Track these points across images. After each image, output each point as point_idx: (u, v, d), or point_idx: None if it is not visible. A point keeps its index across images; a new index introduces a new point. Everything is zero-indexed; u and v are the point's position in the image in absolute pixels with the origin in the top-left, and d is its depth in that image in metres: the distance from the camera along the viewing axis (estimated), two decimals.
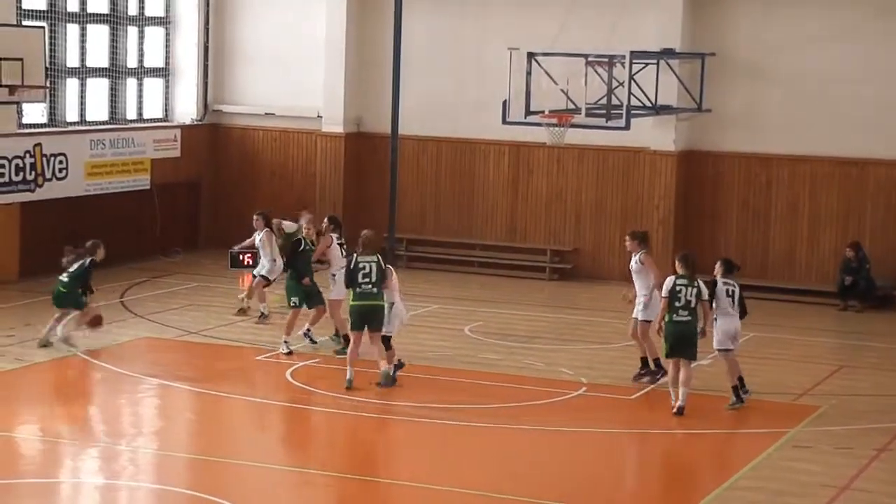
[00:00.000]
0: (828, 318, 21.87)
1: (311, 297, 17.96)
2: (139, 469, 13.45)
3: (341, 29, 26.98)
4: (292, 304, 17.81)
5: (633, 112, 22.98)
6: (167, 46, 27.66)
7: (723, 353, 16.77)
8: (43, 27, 23.30)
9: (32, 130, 24.10)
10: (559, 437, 15.23)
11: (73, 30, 24.63)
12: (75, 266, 18.22)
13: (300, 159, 28.48)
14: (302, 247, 18.68)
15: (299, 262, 18.43)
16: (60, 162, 24.09)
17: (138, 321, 19.12)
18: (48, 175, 23.98)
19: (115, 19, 25.67)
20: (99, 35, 25.40)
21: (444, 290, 23.39)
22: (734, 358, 16.63)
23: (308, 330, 17.91)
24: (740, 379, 16.77)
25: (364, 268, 16.39)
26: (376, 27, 27.34)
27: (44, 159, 23.92)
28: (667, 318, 15.31)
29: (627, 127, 22.72)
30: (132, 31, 26.56)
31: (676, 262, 15.75)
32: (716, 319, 16.73)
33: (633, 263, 17.92)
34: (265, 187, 28.40)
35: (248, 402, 15.87)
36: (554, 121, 22.80)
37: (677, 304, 15.29)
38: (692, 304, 15.28)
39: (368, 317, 15.73)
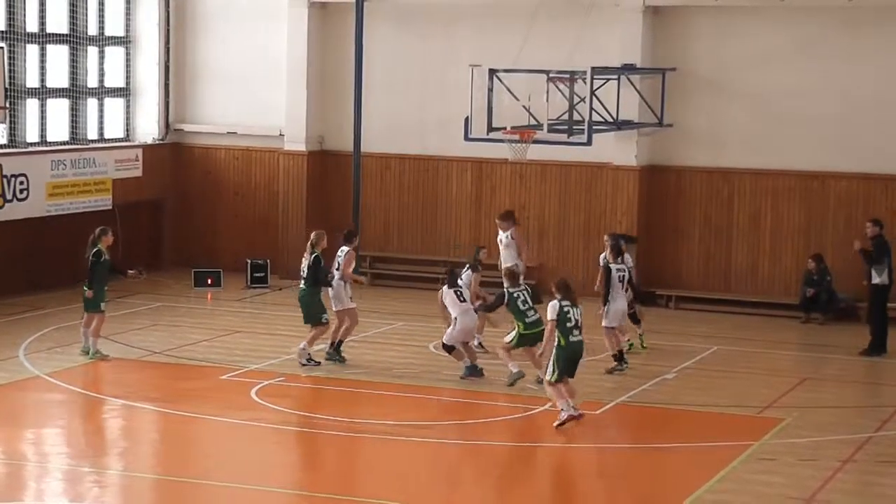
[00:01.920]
0: (790, 331, 22.03)
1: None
2: (104, 490, 13.34)
3: (303, 47, 26.92)
4: (324, 321, 17.99)
5: (594, 128, 23.08)
6: (128, 66, 27.54)
7: (611, 330, 18.24)
8: (2, 47, 22.98)
9: None
10: (523, 453, 15.24)
11: (32, 50, 24.54)
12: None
13: (263, 178, 28.29)
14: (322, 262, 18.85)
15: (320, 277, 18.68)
16: (21, 182, 23.88)
17: (101, 341, 18.93)
18: (9, 196, 23.81)
19: (74, 39, 25.53)
20: (59, 55, 25.32)
21: (408, 308, 23.39)
22: (617, 333, 18.41)
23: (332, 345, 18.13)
24: (620, 352, 18.26)
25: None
26: (338, 45, 27.47)
27: (4, 180, 23.75)
28: (562, 342, 15.29)
29: (589, 142, 22.86)
30: (92, 51, 26.45)
31: (554, 289, 15.86)
32: (609, 301, 18.34)
33: (504, 238, 19.79)
34: (228, 206, 28.30)
35: (213, 421, 15.82)
36: (516, 137, 22.90)
37: (569, 325, 15.48)
38: (580, 324, 15.53)
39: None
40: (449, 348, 17.95)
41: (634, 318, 19.36)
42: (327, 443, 15.63)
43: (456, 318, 17.71)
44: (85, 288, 17.91)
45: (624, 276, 19.05)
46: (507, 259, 19.90)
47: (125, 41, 27.22)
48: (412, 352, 19.96)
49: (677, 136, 26.42)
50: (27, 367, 17.76)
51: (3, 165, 23.27)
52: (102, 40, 26.49)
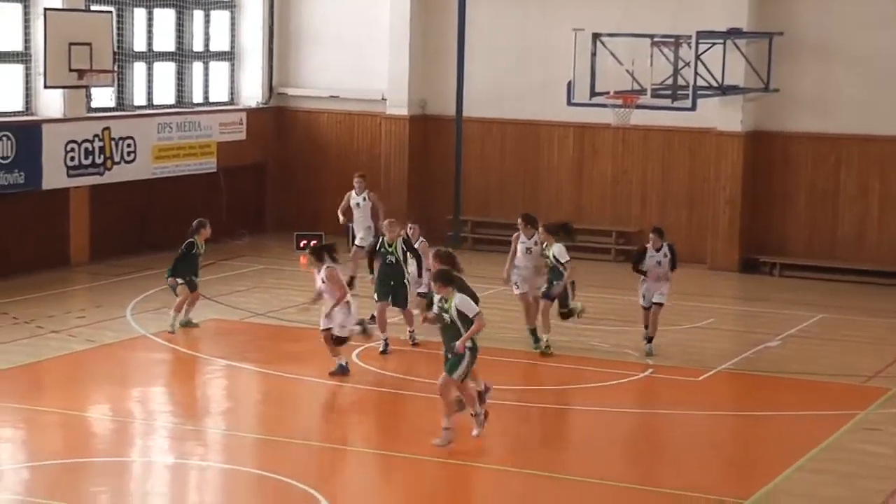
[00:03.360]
0: None
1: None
2: (207, 449, 13.75)
3: (406, 11, 27.56)
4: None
5: (699, 93, 23.08)
6: (233, 30, 28.24)
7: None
8: (110, 12, 24.09)
9: (101, 114, 24.69)
10: (625, 419, 15.36)
11: (140, 14, 25.32)
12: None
13: (365, 142, 28.98)
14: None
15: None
16: (129, 145, 24.79)
17: (206, 303, 19.70)
18: (117, 158, 24.63)
19: (181, 3, 26.28)
20: (166, 19, 26.04)
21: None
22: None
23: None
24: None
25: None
26: (441, 10, 28.36)
27: (112, 143, 24.53)
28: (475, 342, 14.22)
29: (694, 107, 22.80)
30: (198, 15, 27.22)
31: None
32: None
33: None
34: (330, 170, 28.76)
35: (315, 383, 16.25)
36: (619, 102, 22.85)
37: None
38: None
39: None
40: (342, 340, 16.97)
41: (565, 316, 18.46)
42: (429, 406, 15.61)
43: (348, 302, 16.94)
44: (167, 276, 18.23)
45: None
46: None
47: (230, 5, 27.99)
48: (512, 317, 20.01)
49: (783, 101, 26.36)
50: (134, 326, 18.32)
51: (112, 128, 24.18)
52: (209, 4, 27.22)
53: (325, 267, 16.11)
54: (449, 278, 13.70)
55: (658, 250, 18.23)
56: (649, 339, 17.98)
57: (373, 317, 18.29)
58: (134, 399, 15.72)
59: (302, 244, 25.31)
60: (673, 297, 20.44)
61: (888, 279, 23.82)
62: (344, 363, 16.30)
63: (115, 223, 25.22)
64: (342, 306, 16.07)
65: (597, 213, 26.95)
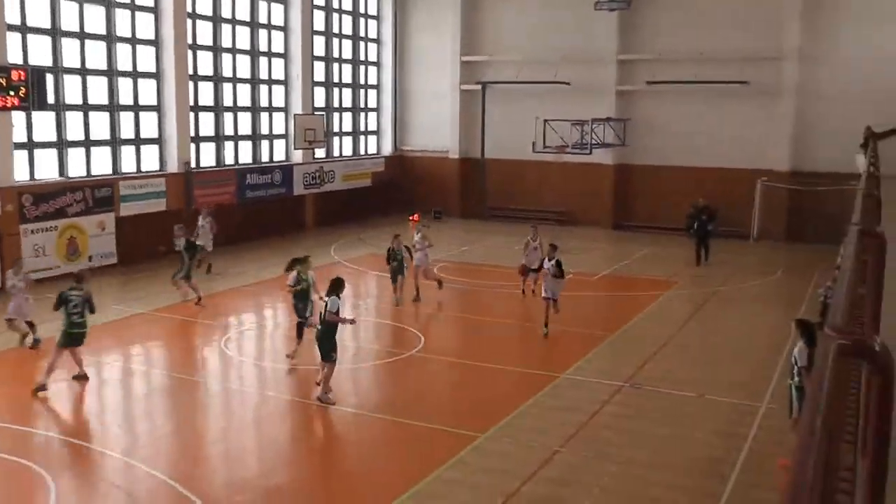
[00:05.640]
0: None
1: None
2: None
3: (457, 107, 42.73)
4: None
5: (593, 145, 36.64)
6: (379, 123, 43.84)
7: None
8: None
9: (320, 160, 39.33)
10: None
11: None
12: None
13: (440, 171, 43.46)
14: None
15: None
16: (331, 173, 40.20)
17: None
18: (328, 180, 39.90)
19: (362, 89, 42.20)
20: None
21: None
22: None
23: None
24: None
25: None
26: (474, 105, 42.35)
27: (326, 174, 39.46)
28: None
29: (591, 153, 36.95)
30: (371, 95, 42.82)
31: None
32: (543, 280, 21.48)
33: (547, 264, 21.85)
34: (424, 184, 43.65)
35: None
36: (555, 151, 36.16)
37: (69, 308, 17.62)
38: (79, 308, 17.81)
39: None
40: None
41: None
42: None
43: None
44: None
45: (551, 266, 21.24)
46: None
47: (374, 109, 43.76)
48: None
49: (632, 150, 38.90)
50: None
51: (324, 167, 37.91)
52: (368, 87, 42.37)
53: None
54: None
55: (550, 259, 20.99)
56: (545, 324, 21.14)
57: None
58: None
59: (414, 215, 33.86)
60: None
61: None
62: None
63: (330, 216, 39.19)
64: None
65: (546, 202, 40.40)
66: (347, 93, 43.23)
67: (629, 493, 13.06)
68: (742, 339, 21.68)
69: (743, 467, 14.07)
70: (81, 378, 17.91)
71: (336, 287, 17.06)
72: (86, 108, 30.13)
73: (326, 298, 17.06)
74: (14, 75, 24.89)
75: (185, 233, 25.61)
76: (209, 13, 34.95)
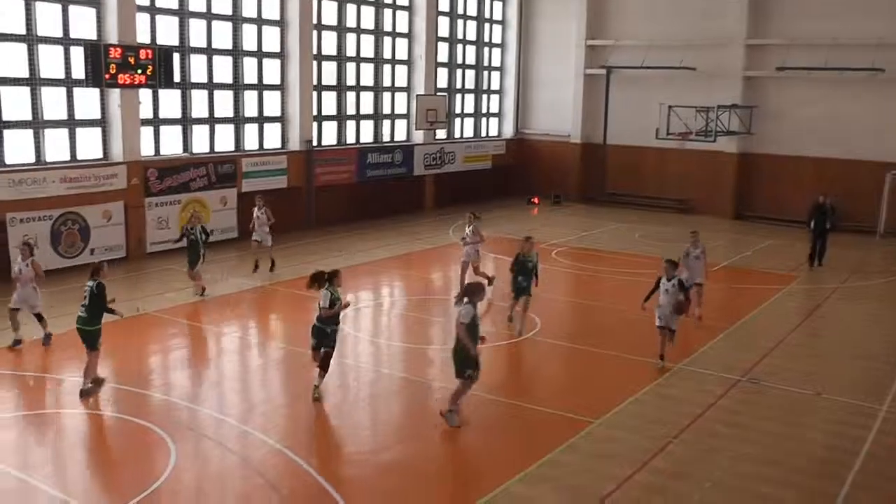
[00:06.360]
0: None
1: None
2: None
3: (580, 92, 42.84)
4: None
5: (718, 133, 35.55)
6: (500, 105, 43.78)
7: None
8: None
9: (440, 141, 39.52)
10: None
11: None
12: None
13: (560, 154, 43.46)
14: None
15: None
16: (451, 154, 39.97)
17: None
18: (446, 161, 39.74)
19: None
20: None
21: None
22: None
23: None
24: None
25: None
26: (597, 91, 42.25)
27: (446, 155, 39.54)
28: None
29: (715, 140, 35.96)
30: (495, 76, 42.63)
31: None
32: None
33: None
34: (545, 169, 43.91)
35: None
36: (679, 138, 35.45)
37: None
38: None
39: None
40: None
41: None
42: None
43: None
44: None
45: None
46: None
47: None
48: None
49: (758, 139, 37.93)
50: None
51: (444, 147, 38.29)
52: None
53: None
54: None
55: (669, 280, 18.22)
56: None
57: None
58: None
59: (534, 199, 40.76)
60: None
61: None
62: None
63: (449, 198, 39.50)
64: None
65: (666, 190, 40.45)
66: (470, 74, 43.42)
67: (740, 489, 12.91)
68: (863, 338, 21.33)
69: (861, 469, 13.76)
70: (83, 394, 15.59)
71: (472, 292, 14.53)
72: (211, 86, 30.74)
73: (458, 307, 14.54)
74: (142, 54, 25.88)
75: (200, 219, 23.85)
76: None
